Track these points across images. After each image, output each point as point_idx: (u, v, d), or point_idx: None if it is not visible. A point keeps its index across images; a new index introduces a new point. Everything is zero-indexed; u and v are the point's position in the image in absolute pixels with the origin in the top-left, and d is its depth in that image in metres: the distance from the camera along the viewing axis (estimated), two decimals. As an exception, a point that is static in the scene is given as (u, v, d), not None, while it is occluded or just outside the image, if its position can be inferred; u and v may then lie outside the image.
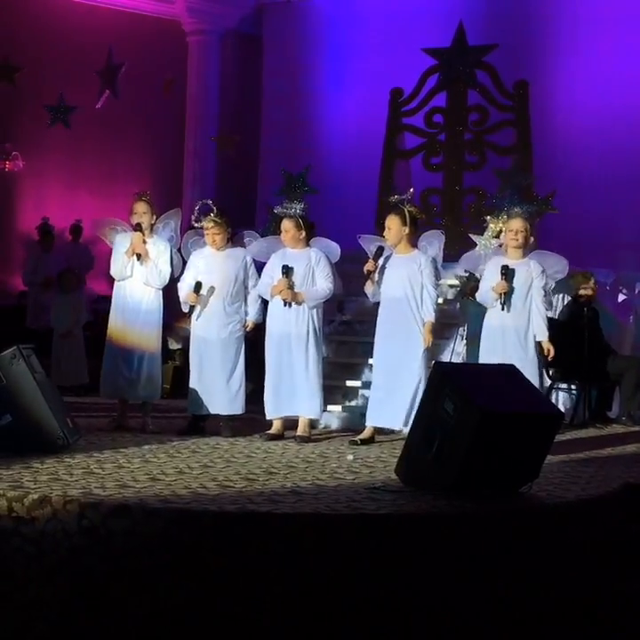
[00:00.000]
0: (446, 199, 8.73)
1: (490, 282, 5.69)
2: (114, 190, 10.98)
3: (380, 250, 5.73)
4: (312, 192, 8.12)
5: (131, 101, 11.17)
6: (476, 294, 5.96)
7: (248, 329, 5.92)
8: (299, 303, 5.75)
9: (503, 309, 5.56)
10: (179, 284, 5.97)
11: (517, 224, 5.73)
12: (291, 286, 5.72)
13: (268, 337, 5.85)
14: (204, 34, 12.08)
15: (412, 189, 5.99)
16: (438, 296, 5.83)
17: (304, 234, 5.85)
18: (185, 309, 5.94)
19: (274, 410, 5.80)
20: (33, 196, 11.25)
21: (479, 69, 8.91)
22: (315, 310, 5.83)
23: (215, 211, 5.84)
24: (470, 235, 7.33)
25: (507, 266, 5.61)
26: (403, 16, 11.15)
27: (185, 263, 6.07)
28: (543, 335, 5.59)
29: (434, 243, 6.01)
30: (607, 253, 9.53)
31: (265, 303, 5.99)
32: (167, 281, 5.95)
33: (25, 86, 10.55)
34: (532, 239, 5.86)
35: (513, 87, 8.78)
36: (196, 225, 5.95)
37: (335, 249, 6.07)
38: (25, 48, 10.64)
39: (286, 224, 5.82)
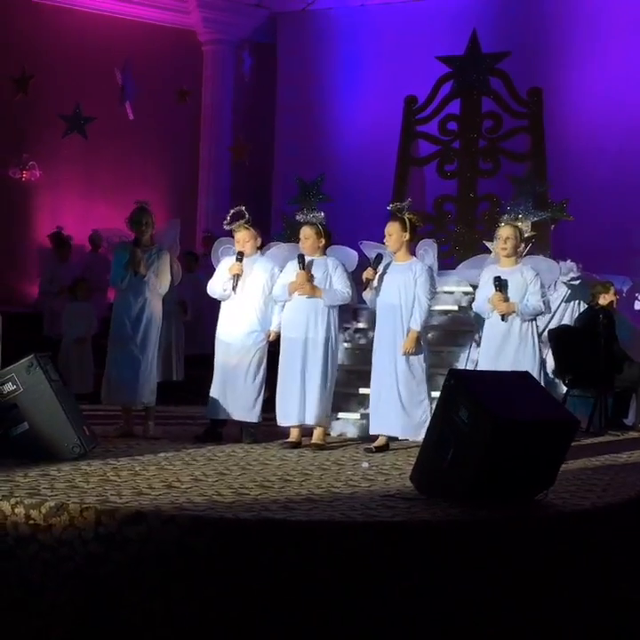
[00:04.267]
0: (460, 206, 8.73)
1: (485, 291, 5.70)
2: (129, 200, 11.01)
3: (379, 257, 5.76)
4: (326, 200, 8.14)
5: (146, 111, 11.25)
6: (473, 304, 5.96)
7: (271, 339, 5.95)
8: (317, 296, 5.72)
9: (503, 320, 5.57)
10: (210, 285, 5.97)
11: (506, 232, 5.69)
12: (309, 280, 5.72)
13: (284, 343, 5.86)
14: (218, 43, 12.17)
15: (409, 199, 6.02)
16: (431, 306, 5.84)
17: (323, 242, 5.87)
18: (221, 298, 5.91)
19: (285, 416, 5.80)
20: (49, 206, 11.33)
21: (493, 76, 8.91)
22: (332, 317, 5.82)
23: (247, 217, 5.89)
24: (485, 242, 7.32)
25: (499, 277, 5.59)
26: (416, 24, 11.17)
27: (189, 271, 6.09)
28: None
29: (429, 251, 6.01)
30: (622, 260, 9.49)
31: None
32: (167, 289, 6.05)
33: (42, 97, 10.65)
34: (522, 245, 5.84)
35: (527, 94, 8.77)
36: (226, 228, 6.00)
37: (353, 257, 6.08)
38: (42, 59, 10.74)
39: (307, 231, 5.83)
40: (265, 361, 5.92)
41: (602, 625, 3.72)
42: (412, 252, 5.86)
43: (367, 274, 5.72)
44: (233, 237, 6.00)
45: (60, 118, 10.55)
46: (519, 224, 5.79)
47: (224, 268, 5.94)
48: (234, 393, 5.85)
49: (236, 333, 5.88)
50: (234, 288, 5.83)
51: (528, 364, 5.46)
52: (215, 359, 5.98)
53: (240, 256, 5.84)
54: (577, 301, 7.58)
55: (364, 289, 5.74)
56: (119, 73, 10.71)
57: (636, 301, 8.37)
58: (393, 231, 5.70)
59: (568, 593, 3.66)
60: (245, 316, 5.88)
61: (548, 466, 3.99)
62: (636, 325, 8.05)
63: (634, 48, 10.35)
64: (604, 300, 7.21)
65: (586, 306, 7.43)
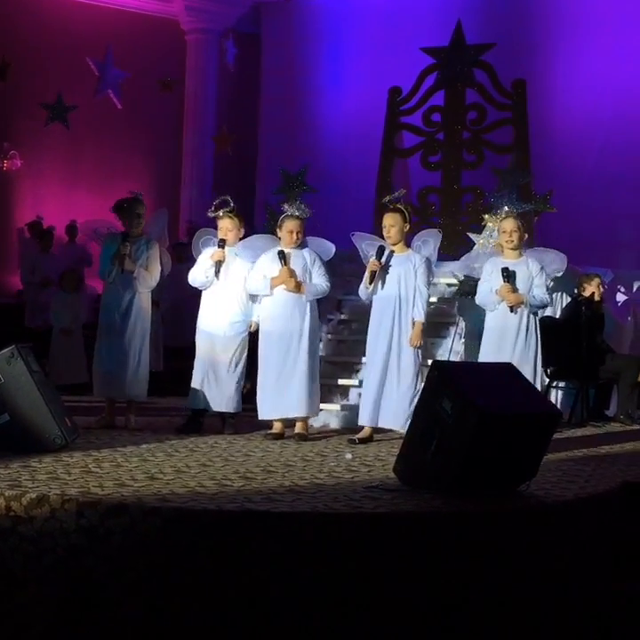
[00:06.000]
0: (445, 198, 8.73)
1: (489, 284, 5.66)
2: (112, 189, 10.97)
3: (382, 249, 5.72)
4: (310, 191, 8.12)
5: (129, 100, 11.19)
6: (476, 297, 5.92)
7: (252, 329, 5.94)
8: (301, 293, 5.71)
9: (513, 311, 5.54)
10: (191, 273, 5.91)
11: (510, 225, 5.69)
12: (292, 275, 5.70)
13: (264, 335, 5.84)
14: (202, 33, 12.10)
15: (403, 190, 6.01)
16: (430, 296, 5.84)
17: (303, 234, 5.88)
18: (203, 286, 5.85)
19: (269, 410, 5.78)
20: (31, 196, 11.25)
21: (477, 68, 8.91)
22: (313, 308, 5.82)
23: (232, 206, 5.87)
24: (468, 234, 7.33)
25: (507, 268, 5.57)
26: (401, 15, 11.17)
27: (179, 262, 6.08)
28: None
29: (429, 242, 6.00)
30: (605, 252, 9.55)
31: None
32: (157, 281, 6.02)
33: (24, 85, 10.57)
34: (525, 236, 5.85)
35: (511, 86, 8.78)
36: (210, 215, 5.97)
37: (329, 248, 6.07)
38: (24, 47, 10.65)
39: (297, 225, 5.80)
40: (246, 351, 5.91)
41: (586, 615, 3.74)
42: (408, 244, 5.85)
43: (373, 266, 5.66)
44: (215, 228, 5.98)
45: (42, 107, 10.47)
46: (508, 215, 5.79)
47: (206, 256, 5.92)
48: (215, 384, 5.84)
49: (218, 324, 5.86)
50: (216, 274, 5.80)
51: (531, 357, 5.46)
52: (197, 349, 5.95)
53: (222, 243, 5.82)
54: (560, 293, 7.61)
55: (370, 282, 5.69)
56: (91, 62, 10.64)
57: (618, 293, 8.41)
58: (395, 223, 5.66)
59: (552, 583, 3.67)
60: (228, 307, 5.86)
61: (530, 457, 4.00)
62: (618, 317, 8.09)
63: (618, 40, 10.39)
64: (587, 290, 7.25)
65: (570, 298, 7.46)
